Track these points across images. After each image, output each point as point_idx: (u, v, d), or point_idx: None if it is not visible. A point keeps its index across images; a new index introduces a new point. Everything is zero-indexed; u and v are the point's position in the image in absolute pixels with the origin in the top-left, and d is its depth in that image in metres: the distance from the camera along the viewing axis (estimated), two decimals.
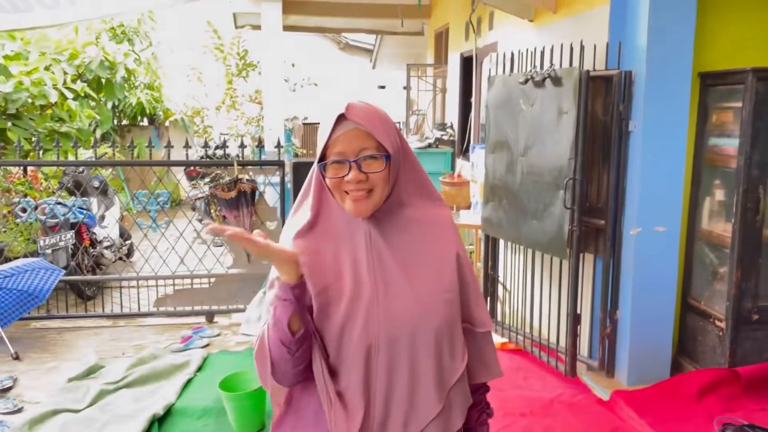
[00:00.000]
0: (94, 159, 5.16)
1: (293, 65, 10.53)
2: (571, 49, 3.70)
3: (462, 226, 5.38)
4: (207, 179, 7.25)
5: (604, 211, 3.76)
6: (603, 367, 3.86)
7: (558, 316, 3.96)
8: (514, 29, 5.23)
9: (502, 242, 4.61)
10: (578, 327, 3.83)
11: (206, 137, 9.78)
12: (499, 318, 4.63)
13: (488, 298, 4.69)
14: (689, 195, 3.83)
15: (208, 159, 8.00)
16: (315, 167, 1.31)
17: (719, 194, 3.69)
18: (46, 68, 6.58)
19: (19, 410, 3.47)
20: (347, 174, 1.24)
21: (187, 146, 4.86)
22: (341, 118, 1.25)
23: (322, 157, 1.27)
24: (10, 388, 3.75)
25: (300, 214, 1.35)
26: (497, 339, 4.41)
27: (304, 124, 11.10)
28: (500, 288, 4.75)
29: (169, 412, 3.42)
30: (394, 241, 1.31)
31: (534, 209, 3.94)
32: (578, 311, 3.81)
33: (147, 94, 10.05)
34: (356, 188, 1.25)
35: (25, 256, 5.16)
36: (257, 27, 8.55)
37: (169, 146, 4.84)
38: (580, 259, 3.80)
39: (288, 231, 1.34)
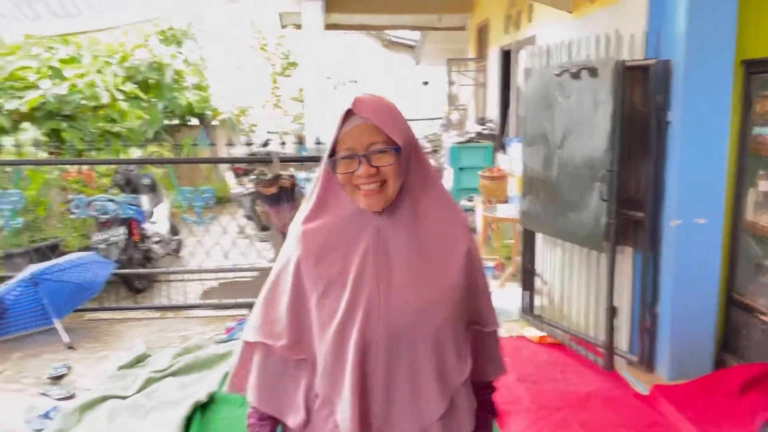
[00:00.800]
0: (143, 158, 5.36)
1: (335, 63, 10.65)
2: (608, 39, 3.65)
3: (500, 220, 5.37)
4: (251, 176, 7.44)
5: (643, 203, 3.70)
6: (642, 362, 3.80)
7: (596, 309, 3.92)
8: (553, 21, 5.18)
9: (540, 235, 4.58)
10: (616, 321, 3.78)
11: (250, 135, 9.99)
12: (537, 312, 4.61)
13: (526, 292, 4.66)
14: (733, 186, 3.73)
15: (252, 157, 8.17)
16: (324, 163, 1.32)
17: (764, 185, 3.58)
18: (99, 71, 6.86)
19: (72, 396, 3.66)
20: (357, 168, 1.25)
21: (229, 144, 5.00)
22: (349, 114, 1.25)
23: (333, 153, 1.28)
24: (64, 376, 3.95)
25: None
26: (535, 333, 4.39)
27: None
28: (539, 281, 4.72)
29: (212, 399, 3.53)
30: (402, 236, 1.30)
31: (571, 202, 3.90)
32: (616, 305, 3.76)
33: (196, 94, 10.32)
34: (367, 182, 1.25)
35: (80, 250, 5.41)
36: (301, 26, 8.69)
37: (212, 144, 5.00)
38: (619, 252, 3.75)
39: (299, 215, 1.37)
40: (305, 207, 1.37)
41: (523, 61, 5.15)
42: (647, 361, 3.79)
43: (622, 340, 3.94)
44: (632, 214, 3.75)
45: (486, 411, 1.49)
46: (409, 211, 1.30)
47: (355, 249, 1.30)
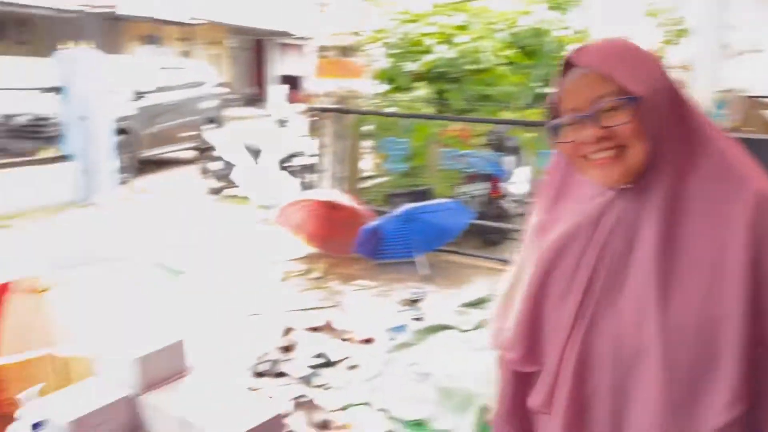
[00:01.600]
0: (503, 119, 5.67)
1: (736, 30, 9.40)
2: None
3: None
4: None
5: None
6: None
7: None
8: None
9: None
10: None
11: None
12: None
13: None
14: None
15: None
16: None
17: None
18: (484, 37, 7.43)
19: (421, 319, 4.25)
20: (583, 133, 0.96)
21: None
22: (569, 66, 0.99)
23: (555, 118, 1.03)
24: (419, 301, 4.60)
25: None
26: None
27: (749, 97, 9.84)
28: None
29: None
30: (652, 226, 0.97)
31: None
32: None
33: None
34: (597, 149, 0.96)
35: (447, 198, 6.07)
36: None
37: None
38: None
39: (536, 205, 1.20)
40: (541, 194, 1.16)
41: None
42: None
43: None
44: None
45: None
46: (665, 191, 0.96)
47: (592, 243, 1.02)
